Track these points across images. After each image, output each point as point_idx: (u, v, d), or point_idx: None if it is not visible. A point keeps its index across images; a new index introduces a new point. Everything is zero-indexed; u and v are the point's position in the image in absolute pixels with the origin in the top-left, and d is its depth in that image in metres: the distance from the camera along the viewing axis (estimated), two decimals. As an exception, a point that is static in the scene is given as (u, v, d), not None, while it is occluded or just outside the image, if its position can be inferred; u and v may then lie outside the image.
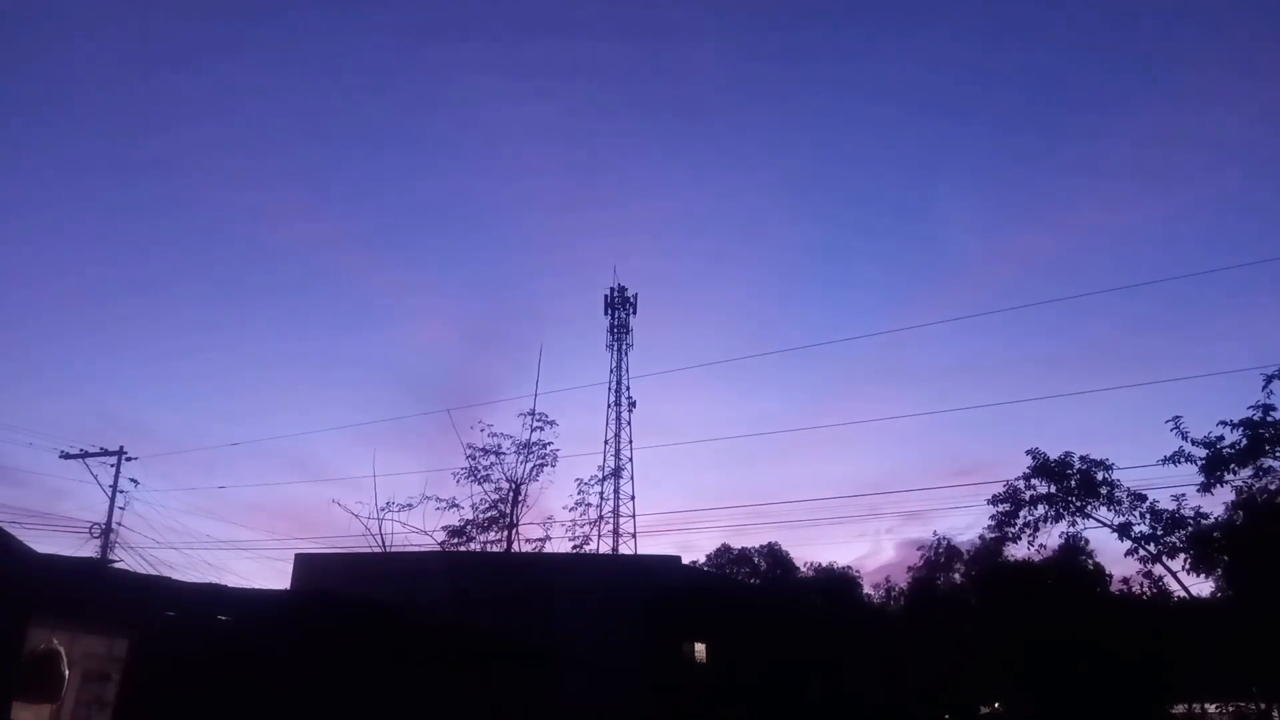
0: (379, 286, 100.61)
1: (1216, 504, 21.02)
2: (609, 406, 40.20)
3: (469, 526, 24.65)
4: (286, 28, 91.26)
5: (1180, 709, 31.27)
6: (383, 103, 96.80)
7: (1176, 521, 21.92)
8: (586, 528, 31.53)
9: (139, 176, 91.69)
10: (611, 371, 41.08)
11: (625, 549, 36.77)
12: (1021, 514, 24.56)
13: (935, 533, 41.06)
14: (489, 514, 24.70)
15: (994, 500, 24.90)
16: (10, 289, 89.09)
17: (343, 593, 20.46)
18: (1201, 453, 20.05)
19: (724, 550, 47.75)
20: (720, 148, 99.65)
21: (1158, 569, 23.06)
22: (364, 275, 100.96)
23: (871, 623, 37.50)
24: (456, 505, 24.37)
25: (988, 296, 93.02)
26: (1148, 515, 22.62)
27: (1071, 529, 24.55)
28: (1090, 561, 29.68)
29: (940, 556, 39.90)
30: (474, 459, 24.70)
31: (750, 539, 57.58)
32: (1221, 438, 19.77)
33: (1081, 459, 23.90)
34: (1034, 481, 24.44)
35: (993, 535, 26.34)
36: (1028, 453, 24.40)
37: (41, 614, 12.25)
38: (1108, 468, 23.55)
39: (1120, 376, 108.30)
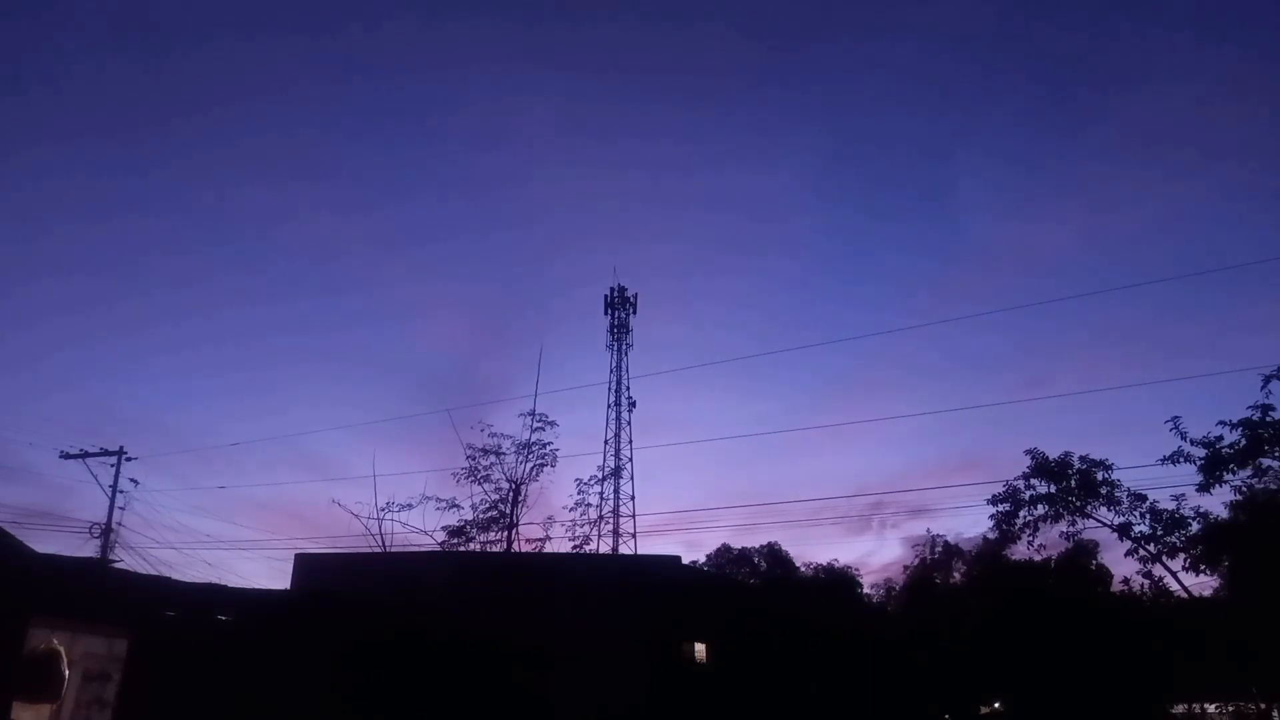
0: (381, 282, 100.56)
1: (1216, 504, 21.07)
2: (609, 406, 40.35)
3: (469, 526, 24.62)
4: (290, 24, 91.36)
5: (1180, 709, 31.31)
6: (385, 95, 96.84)
7: (1176, 521, 21.94)
8: (586, 528, 31.54)
9: (140, 171, 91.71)
10: (611, 371, 41.24)
11: (625, 549, 36.86)
12: (1021, 514, 24.57)
13: (929, 530, 41.13)
14: (489, 514, 24.67)
15: (993, 500, 24.93)
16: (10, 287, 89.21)
17: (343, 593, 20.51)
18: (1201, 453, 20.04)
19: (724, 550, 47.84)
20: (729, 133, 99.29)
21: (1157, 569, 23.08)
22: (366, 271, 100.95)
23: (872, 622, 37.53)
24: (456, 505, 24.36)
25: (1003, 286, 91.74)
26: (1147, 515, 22.64)
27: (1071, 529, 24.55)
28: (1094, 562, 29.72)
29: (938, 554, 39.98)
30: (474, 459, 24.71)
31: (751, 539, 57.57)
32: (1220, 438, 19.76)
33: (1081, 459, 23.92)
34: (1033, 481, 24.46)
35: (994, 535, 26.35)
36: (1027, 452, 24.45)
37: (41, 614, 12.28)
38: (1107, 467, 23.55)
39: (1121, 376, 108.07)
